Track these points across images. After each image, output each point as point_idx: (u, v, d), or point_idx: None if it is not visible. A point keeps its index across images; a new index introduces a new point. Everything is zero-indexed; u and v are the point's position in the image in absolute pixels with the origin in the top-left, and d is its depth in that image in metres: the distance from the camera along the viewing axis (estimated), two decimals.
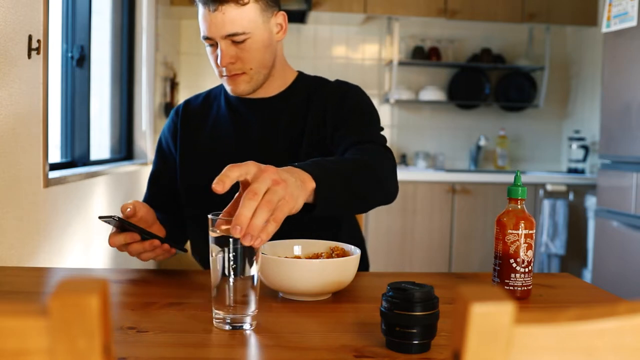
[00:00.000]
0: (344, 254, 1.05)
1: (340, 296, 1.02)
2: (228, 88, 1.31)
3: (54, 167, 2.08)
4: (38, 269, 1.24)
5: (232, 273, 0.81)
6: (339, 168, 0.98)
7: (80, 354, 0.38)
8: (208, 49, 1.28)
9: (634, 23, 2.52)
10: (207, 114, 1.41)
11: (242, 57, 1.25)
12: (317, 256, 1.06)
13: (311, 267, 0.95)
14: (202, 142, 1.37)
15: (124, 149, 3.12)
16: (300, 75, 1.41)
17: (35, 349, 0.39)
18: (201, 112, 1.41)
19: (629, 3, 2.53)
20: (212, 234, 0.83)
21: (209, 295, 1.00)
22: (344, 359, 0.73)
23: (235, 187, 0.84)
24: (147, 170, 3.27)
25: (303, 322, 0.87)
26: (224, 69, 1.26)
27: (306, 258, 1.05)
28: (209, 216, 0.84)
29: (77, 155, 2.43)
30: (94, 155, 2.61)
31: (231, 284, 0.82)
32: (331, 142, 1.29)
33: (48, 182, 1.74)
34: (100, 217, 1.02)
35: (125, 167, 2.79)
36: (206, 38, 1.25)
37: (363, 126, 1.26)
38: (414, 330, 0.74)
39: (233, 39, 1.22)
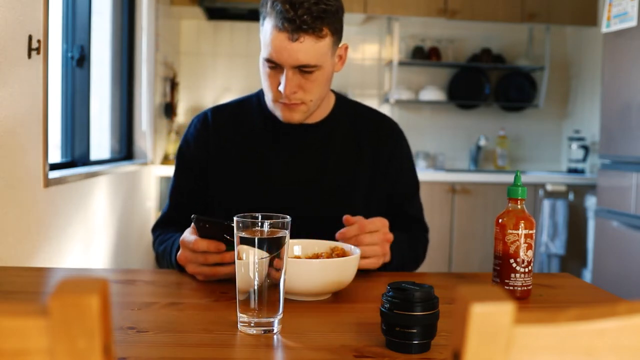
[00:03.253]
0: (344, 254, 1.05)
1: (340, 296, 1.02)
2: (280, 114, 1.27)
3: (54, 167, 2.08)
4: (38, 269, 1.24)
5: (258, 276, 0.81)
6: (405, 258, 1.30)
7: (80, 354, 0.38)
8: (265, 70, 1.22)
9: (634, 23, 2.52)
10: (240, 126, 1.36)
11: (305, 88, 1.21)
12: (317, 256, 1.06)
13: (311, 267, 0.95)
14: (235, 154, 1.33)
15: (124, 149, 3.12)
16: (339, 99, 1.40)
17: (35, 349, 0.39)
18: (233, 123, 1.36)
19: (629, 3, 2.53)
20: (239, 235, 0.82)
21: (208, 296, 1.00)
22: (344, 359, 0.73)
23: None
24: (147, 170, 3.27)
25: (303, 322, 0.87)
26: (282, 94, 1.21)
27: (306, 258, 1.05)
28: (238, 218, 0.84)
29: (77, 155, 2.42)
30: (94, 155, 2.61)
31: (257, 286, 0.81)
32: (382, 179, 1.36)
33: (48, 182, 1.74)
34: (196, 217, 1.02)
35: (125, 167, 2.79)
36: (270, 61, 1.19)
37: (416, 199, 1.46)
38: (414, 330, 0.74)
39: (303, 69, 1.18)
